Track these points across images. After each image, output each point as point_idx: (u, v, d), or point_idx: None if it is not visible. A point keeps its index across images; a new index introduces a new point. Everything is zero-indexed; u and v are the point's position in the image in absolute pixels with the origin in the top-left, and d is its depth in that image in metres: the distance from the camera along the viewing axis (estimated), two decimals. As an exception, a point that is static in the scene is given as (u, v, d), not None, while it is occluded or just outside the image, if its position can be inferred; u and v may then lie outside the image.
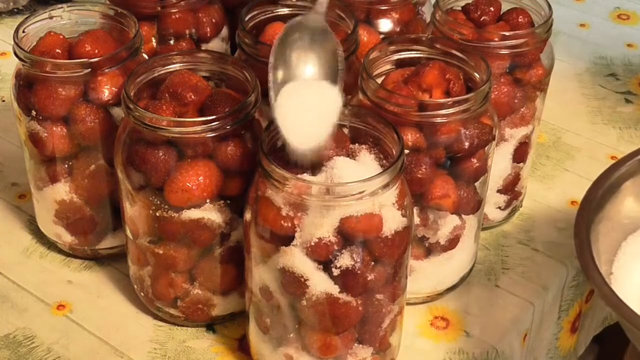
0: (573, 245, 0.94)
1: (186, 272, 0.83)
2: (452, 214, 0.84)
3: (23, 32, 0.87)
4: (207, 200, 0.79)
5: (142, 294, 0.87)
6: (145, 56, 0.89)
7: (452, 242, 0.86)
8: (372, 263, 0.74)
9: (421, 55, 0.86)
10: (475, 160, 0.83)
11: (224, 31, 1.00)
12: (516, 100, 0.91)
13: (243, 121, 0.78)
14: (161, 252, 0.82)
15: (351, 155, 0.76)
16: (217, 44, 0.99)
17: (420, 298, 0.89)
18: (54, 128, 0.86)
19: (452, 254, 0.87)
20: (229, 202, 0.80)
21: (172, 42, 0.96)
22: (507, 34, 0.89)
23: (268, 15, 0.92)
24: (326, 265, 0.73)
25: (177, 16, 0.95)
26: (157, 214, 0.80)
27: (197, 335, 0.86)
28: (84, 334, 0.86)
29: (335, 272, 0.73)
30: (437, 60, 0.84)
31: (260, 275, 0.76)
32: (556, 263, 0.94)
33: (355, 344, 0.78)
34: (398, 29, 0.97)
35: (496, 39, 0.89)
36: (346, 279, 0.73)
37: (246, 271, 0.79)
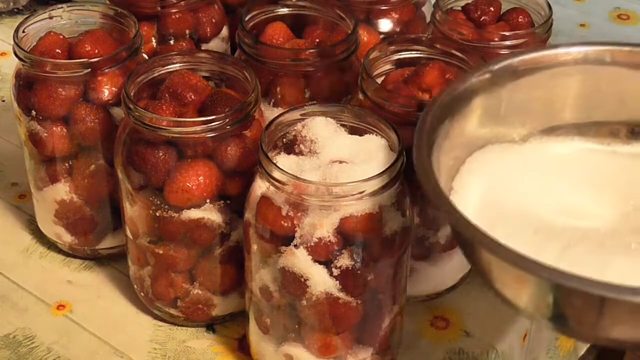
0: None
1: (186, 272, 0.83)
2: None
3: (23, 32, 0.87)
4: (207, 200, 0.79)
5: (142, 294, 0.87)
6: (145, 56, 0.89)
7: (452, 242, 0.86)
8: (372, 263, 0.74)
9: (421, 55, 0.86)
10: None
11: (224, 31, 1.00)
12: (516, 100, 0.91)
13: (243, 121, 0.78)
14: (161, 252, 0.82)
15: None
16: (217, 44, 0.99)
17: (420, 298, 0.89)
18: (54, 128, 0.86)
19: (452, 254, 0.87)
20: (229, 202, 0.80)
21: (172, 42, 0.96)
22: (507, 34, 0.89)
23: (268, 15, 0.92)
24: (326, 265, 0.73)
25: (177, 16, 0.95)
26: (157, 214, 0.80)
27: (197, 335, 0.86)
28: (84, 334, 0.86)
29: (335, 272, 0.73)
30: (437, 60, 0.84)
31: (260, 275, 0.76)
32: (556, 263, 0.94)
33: (355, 344, 0.78)
34: (398, 29, 0.97)
35: (496, 39, 0.89)
36: (346, 279, 0.73)
37: (246, 271, 0.79)
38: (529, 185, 0.72)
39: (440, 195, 0.62)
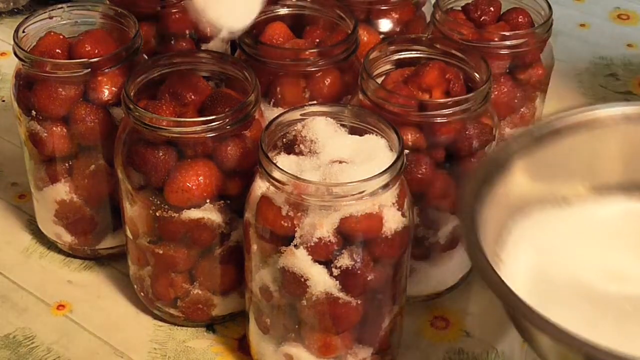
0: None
1: (186, 272, 0.83)
2: (452, 214, 0.84)
3: (23, 32, 0.87)
4: (207, 200, 0.79)
5: (142, 294, 0.87)
6: (145, 56, 0.89)
7: (452, 242, 0.86)
8: (372, 263, 0.74)
9: (421, 55, 0.86)
10: (475, 160, 0.83)
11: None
12: (516, 100, 0.91)
13: (243, 121, 0.78)
14: (161, 252, 0.82)
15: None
16: (217, 44, 0.99)
17: (420, 298, 0.89)
18: (54, 128, 0.86)
19: (452, 254, 0.87)
20: (229, 202, 0.80)
21: (172, 42, 0.96)
22: (507, 34, 0.89)
23: (268, 15, 0.92)
24: (326, 265, 0.73)
25: (177, 16, 0.95)
26: (157, 214, 0.80)
27: (197, 335, 0.86)
28: (84, 334, 0.86)
29: (335, 272, 0.73)
30: (437, 60, 0.84)
31: (260, 275, 0.76)
32: (556, 263, 0.94)
33: (355, 344, 0.78)
34: (398, 29, 0.97)
35: (496, 39, 0.89)
36: (346, 279, 0.73)
37: (246, 271, 0.79)
38: (577, 252, 0.71)
39: (492, 277, 0.62)
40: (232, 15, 0.76)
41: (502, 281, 0.61)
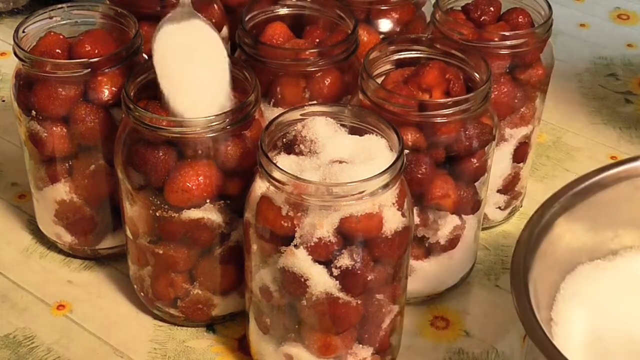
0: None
1: (186, 272, 0.83)
2: (452, 214, 0.84)
3: (23, 32, 0.87)
4: (207, 200, 0.79)
5: (142, 294, 0.87)
6: (145, 56, 0.89)
7: (452, 242, 0.86)
8: (372, 263, 0.74)
9: (421, 55, 0.86)
10: (475, 160, 0.83)
11: (224, 31, 1.00)
12: (516, 100, 0.91)
13: (243, 121, 0.78)
14: (161, 252, 0.82)
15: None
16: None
17: (420, 298, 0.89)
18: (54, 128, 0.86)
19: (452, 254, 0.87)
20: (229, 202, 0.80)
21: (172, 42, 0.96)
22: (507, 34, 0.89)
23: (268, 15, 0.92)
24: (326, 265, 0.73)
25: (177, 16, 0.95)
26: (157, 214, 0.80)
27: (197, 335, 0.86)
28: (84, 334, 0.86)
29: (336, 272, 0.73)
30: (437, 60, 0.84)
31: (260, 275, 0.76)
32: (556, 263, 0.94)
33: (355, 344, 0.78)
34: (398, 29, 0.97)
35: (496, 39, 0.89)
36: (346, 279, 0.73)
37: (246, 271, 0.79)
38: (626, 306, 0.71)
39: (548, 346, 0.62)
40: (196, 109, 0.77)
41: (554, 348, 0.62)
